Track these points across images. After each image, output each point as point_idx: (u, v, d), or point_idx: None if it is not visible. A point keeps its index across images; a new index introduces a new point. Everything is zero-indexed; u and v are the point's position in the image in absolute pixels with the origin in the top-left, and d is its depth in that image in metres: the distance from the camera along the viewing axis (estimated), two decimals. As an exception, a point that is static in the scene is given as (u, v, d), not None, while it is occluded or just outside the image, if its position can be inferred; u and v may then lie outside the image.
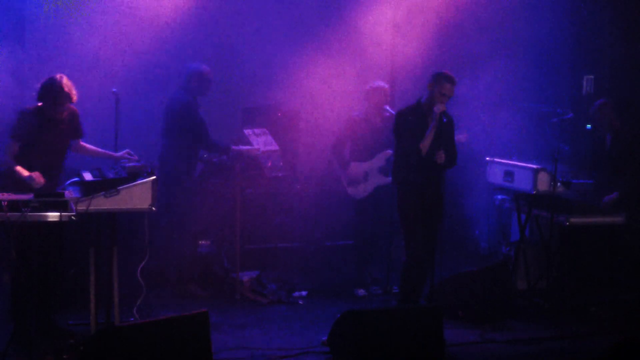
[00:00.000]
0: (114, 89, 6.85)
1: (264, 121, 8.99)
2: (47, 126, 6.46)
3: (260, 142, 8.36)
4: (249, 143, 8.26)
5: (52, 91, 6.36)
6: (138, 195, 6.17)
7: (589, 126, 8.98)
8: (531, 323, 7.44)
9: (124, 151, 6.80)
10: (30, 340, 5.90)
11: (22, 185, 6.15)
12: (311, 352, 6.57)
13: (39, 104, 6.46)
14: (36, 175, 6.20)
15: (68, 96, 6.39)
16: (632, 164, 7.76)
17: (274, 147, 8.45)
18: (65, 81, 6.39)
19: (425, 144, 6.88)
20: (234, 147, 8.01)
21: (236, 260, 8.06)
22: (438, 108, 6.85)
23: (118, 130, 6.83)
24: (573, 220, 7.44)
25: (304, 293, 8.20)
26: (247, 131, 8.50)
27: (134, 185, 6.16)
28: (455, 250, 9.58)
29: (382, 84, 8.38)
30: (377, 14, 9.93)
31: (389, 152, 8.07)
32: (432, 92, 6.95)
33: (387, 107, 8.23)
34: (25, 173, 6.22)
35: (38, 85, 6.43)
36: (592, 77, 9.53)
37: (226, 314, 7.48)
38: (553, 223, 7.52)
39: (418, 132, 6.92)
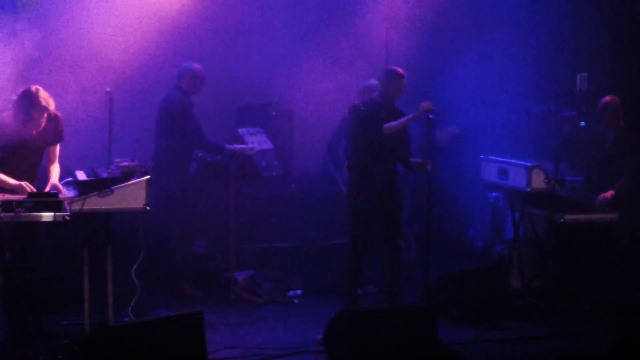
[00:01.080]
0: (108, 88, 6.83)
1: (258, 120, 8.99)
2: (24, 134, 6.38)
3: (254, 141, 8.35)
4: (243, 142, 8.25)
5: (28, 104, 6.24)
6: (132, 195, 6.16)
7: (582, 123, 8.98)
8: (526, 322, 7.44)
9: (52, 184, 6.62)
10: (25, 341, 5.88)
11: (7, 192, 6.13)
12: (306, 351, 6.56)
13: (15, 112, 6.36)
14: (25, 184, 6.17)
15: (45, 109, 6.28)
16: (632, 164, 7.76)
17: (269, 146, 8.44)
18: (42, 93, 6.25)
19: (392, 127, 6.97)
20: (228, 147, 8.00)
21: (231, 259, 8.06)
22: (425, 105, 6.90)
23: (112, 129, 6.81)
24: (567, 218, 7.44)
25: (299, 292, 8.19)
26: (241, 130, 8.49)
27: (128, 185, 6.15)
28: (449, 249, 9.59)
29: (375, 82, 8.38)
30: (371, 12, 9.92)
31: None
32: (385, 86, 7.19)
33: None
34: (13, 182, 6.19)
35: (14, 97, 6.37)
36: (585, 74, 9.53)
37: (221, 313, 7.47)
38: (547, 221, 7.52)
39: (374, 118, 7.06)
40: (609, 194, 7.70)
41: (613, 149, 7.92)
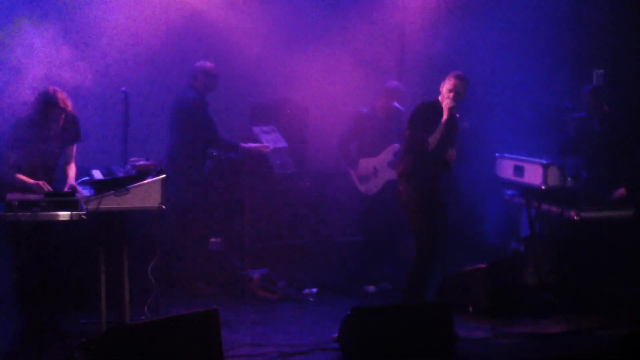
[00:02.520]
0: (123, 88, 6.85)
1: (272, 118, 8.99)
2: (42, 135, 6.41)
3: (269, 139, 8.36)
4: (257, 140, 8.27)
5: (46, 106, 6.30)
6: (148, 194, 6.19)
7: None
8: (541, 318, 7.43)
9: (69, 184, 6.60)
10: (40, 340, 5.92)
11: (25, 191, 6.17)
12: (321, 348, 6.57)
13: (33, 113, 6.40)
14: (42, 183, 6.21)
15: (63, 110, 6.33)
16: (629, 155, 7.71)
17: (283, 144, 8.45)
18: (60, 94, 6.31)
19: (434, 139, 6.87)
20: (242, 145, 8.02)
21: (246, 257, 8.07)
22: (447, 104, 6.86)
23: (127, 129, 6.84)
24: (583, 214, 7.43)
25: (314, 290, 8.20)
26: (255, 129, 8.51)
27: (144, 184, 6.18)
28: (464, 246, 9.57)
29: (400, 85, 8.39)
30: (386, 9, 9.92)
31: (397, 145, 8.07)
32: (442, 89, 6.99)
33: (396, 103, 8.21)
34: (30, 181, 6.24)
35: (32, 98, 6.39)
36: (602, 71, 9.49)
37: (236, 311, 7.49)
38: (563, 218, 7.50)
39: (430, 126, 6.92)
40: (621, 191, 7.66)
41: (602, 136, 7.88)
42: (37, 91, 6.39)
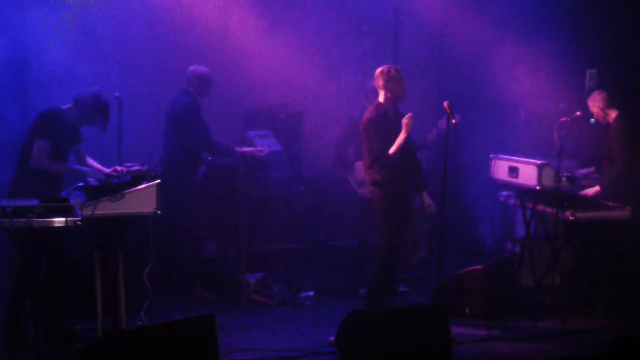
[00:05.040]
0: (117, 93, 6.85)
1: (267, 122, 8.99)
2: (67, 131, 6.49)
3: (264, 143, 8.35)
4: (252, 144, 8.26)
5: (104, 110, 6.52)
6: (143, 199, 6.18)
7: (592, 120, 8.96)
8: (537, 319, 7.43)
9: (112, 168, 6.70)
10: (37, 346, 5.90)
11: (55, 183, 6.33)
12: (318, 352, 6.56)
13: (67, 107, 6.50)
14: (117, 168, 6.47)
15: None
16: (615, 157, 7.75)
17: (278, 148, 8.44)
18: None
19: (395, 152, 6.84)
20: (237, 149, 8.02)
21: (241, 261, 8.06)
22: (408, 124, 6.77)
23: (121, 134, 6.83)
24: (578, 215, 7.43)
25: (310, 293, 8.20)
26: (250, 133, 8.50)
27: (139, 190, 6.17)
28: (460, 248, 9.58)
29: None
30: (379, 13, 9.94)
31: None
32: (391, 89, 6.90)
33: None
34: (84, 167, 6.47)
35: (85, 95, 6.50)
36: (595, 71, 9.49)
37: (232, 316, 7.48)
38: (558, 218, 7.51)
39: (386, 135, 6.87)
40: (595, 189, 7.71)
41: (604, 143, 7.93)
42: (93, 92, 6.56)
